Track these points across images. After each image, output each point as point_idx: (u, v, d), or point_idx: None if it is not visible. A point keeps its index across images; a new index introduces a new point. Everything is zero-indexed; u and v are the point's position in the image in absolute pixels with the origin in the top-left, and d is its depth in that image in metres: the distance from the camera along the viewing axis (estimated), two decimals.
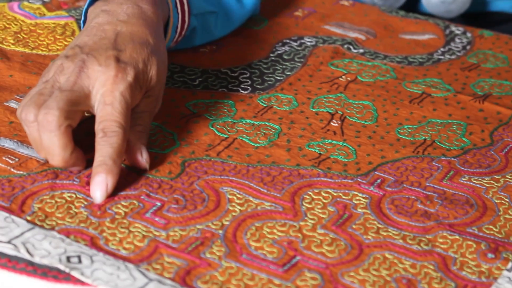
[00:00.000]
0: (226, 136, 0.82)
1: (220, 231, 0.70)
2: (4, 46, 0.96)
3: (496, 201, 0.75)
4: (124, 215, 0.71)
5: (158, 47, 0.81)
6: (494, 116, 0.89)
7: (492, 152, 0.82)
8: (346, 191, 0.75)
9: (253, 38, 1.03)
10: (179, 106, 0.87)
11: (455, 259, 0.68)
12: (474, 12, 1.22)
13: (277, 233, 0.70)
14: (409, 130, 0.85)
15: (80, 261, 0.65)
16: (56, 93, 0.73)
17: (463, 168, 0.79)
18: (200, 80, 0.92)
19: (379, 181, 0.77)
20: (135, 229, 0.69)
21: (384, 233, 0.70)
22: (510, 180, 0.78)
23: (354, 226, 0.71)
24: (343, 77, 0.95)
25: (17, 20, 1.01)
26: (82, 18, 0.87)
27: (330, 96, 0.91)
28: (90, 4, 0.84)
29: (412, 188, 0.76)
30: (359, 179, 0.77)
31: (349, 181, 0.77)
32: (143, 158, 0.76)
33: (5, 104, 0.85)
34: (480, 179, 0.78)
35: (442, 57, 1.01)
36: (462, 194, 0.76)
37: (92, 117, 0.76)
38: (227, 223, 0.71)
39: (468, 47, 1.04)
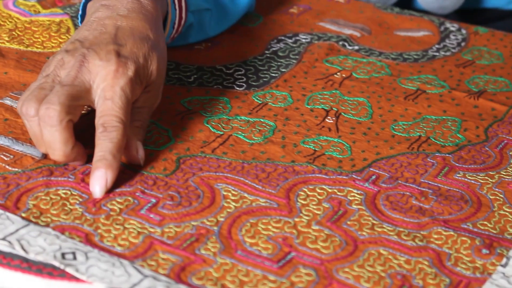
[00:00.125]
0: (221, 132, 0.82)
1: (215, 228, 0.70)
2: None
3: (491, 197, 0.75)
4: (119, 211, 0.71)
5: (158, 42, 0.81)
6: (488, 112, 0.89)
7: (487, 148, 0.82)
8: (341, 188, 0.75)
9: (248, 35, 1.03)
10: (174, 103, 0.87)
11: (450, 255, 0.68)
12: (469, 9, 1.22)
13: (272, 230, 0.70)
14: (404, 127, 0.85)
15: (75, 258, 0.65)
16: (57, 88, 0.73)
17: (457, 164, 0.80)
18: (195, 77, 0.92)
19: (374, 177, 0.77)
20: (130, 226, 0.69)
21: (379, 229, 0.71)
22: (505, 176, 0.78)
23: (349, 222, 0.71)
24: (338, 73, 0.95)
25: (12, 17, 1.01)
26: (80, 12, 0.86)
27: (325, 92, 0.91)
28: None
29: (407, 184, 0.76)
30: (354, 176, 0.77)
31: (344, 177, 0.77)
32: (138, 154, 0.76)
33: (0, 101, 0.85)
34: (474, 175, 0.78)
35: (437, 53, 1.01)
36: (457, 190, 0.76)
37: (93, 112, 0.76)
38: (222, 219, 0.71)
39: (463, 44, 1.04)
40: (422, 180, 0.77)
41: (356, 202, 0.74)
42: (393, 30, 1.07)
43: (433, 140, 0.83)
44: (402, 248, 0.69)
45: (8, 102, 0.85)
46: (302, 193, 0.74)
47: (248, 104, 0.88)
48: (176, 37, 0.94)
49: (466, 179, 0.77)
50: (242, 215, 0.71)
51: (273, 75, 0.94)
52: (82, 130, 0.75)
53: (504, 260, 0.68)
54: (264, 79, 0.93)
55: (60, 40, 0.97)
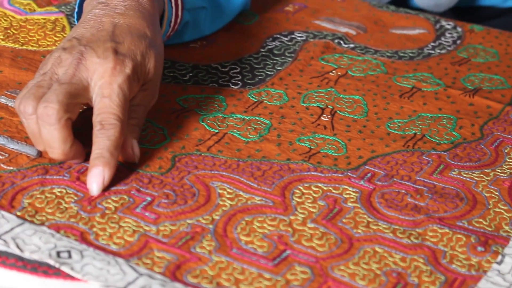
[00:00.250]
0: (217, 131, 0.82)
1: (211, 226, 0.70)
2: None
3: (486, 194, 0.76)
4: (114, 210, 0.71)
5: (155, 40, 0.80)
6: (484, 110, 0.89)
7: (482, 146, 0.82)
8: (337, 185, 0.75)
9: (244, 33, 1.03)
10: (170, 101, 0.87)
11: (445, 253, 0.68)
12: (465, 7, 1.22)
13: (267, 228, 0.70)
14: (399, 125, 0.85)
15: (70, 256, 0.65)
16: (55, 86, 0.73)
17: (453, 162, 0.80)
18: (191, 75, 0.92)
19: (369, 175, 0.77)
20: (125, 224, 0.69)
21: (374, 227, 0.71)
22: (500, 174, 0.78)
23: (344, 220, 0.71)
24: (333, 71, 0.95)
25: (7, 15, 1.01)
26: (76, 10, 0.86)
27: (320, 90, 0.91)
28: None
29: (402, 182, 0.76)
30: (349, 173, 0.77)
31: (339, 175, 0.77)
32: (133, 152, 0.75)
33: None
34: (470, 173, 0.78)
35: (432, 51, 1.01)
36: (452, 187, 0.76)
37: (89, 109, 0.76)
38: (217, 217, 0.71)
39: (458, 42, 1.04)
40: (418, 178, 0.77)
41: (352, 200, 0.74)
42: (388, 28, 1.07)
43: (428, 138, 0.83)
44: (398, 246, 0.69)
45: (3, 100, 0.85)
46: (298, 191, 0.74)
47: (244, 102, 0.88)
48: (171, 35, 0.94)
49: (461, 177, 0.78)
50: (238, 213, 0.71)
51: (269, 73, 0.94)
52: (78, 128, 0.75)
53: (499, 257, 0.68)
54: (260, 77, 0.93)
55: (55, 38, 0.97)
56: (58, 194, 0.72)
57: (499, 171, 0.79)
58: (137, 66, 0.76)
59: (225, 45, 1.00)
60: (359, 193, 0.74)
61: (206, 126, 0.83)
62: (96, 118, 0.73)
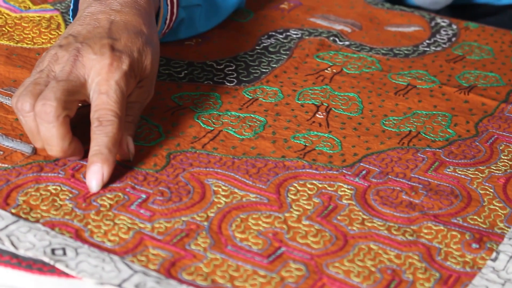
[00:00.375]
0: (212, 128, 0.82)
1: (205, 223, 0.70)
2: None
3: (481, 191, 0.76)
4: (109, 207, 0.71)
5: (152, 37, 0.80)
6: (479, 107, 0.89)
7: (477, 143, 0.83)
8: (331, 183, 0.75)
9: (239, 30, 1.03)
10: (165, 99, 0.87)
11: (440, 250, 0.68)
12: (460, 4, 1.22)
13: (262, 225, 0.70)
14: (394, 122, 0.85)
15: (65, 254, 0.65)
16: (52, 84, 0.73)
17: (448, 159, 0.80)
18: (186, 73, 0.92)
19: (364, 172, 0.77)
20: (120, 221, 0.69)
21: (369, 224, 0.71)
22: (495, 171, 0.78)
23: (339, 217, 0.71)
24: (328, 69, 0.95)
25: (2, 13, 1.01)
26: (72, 7, 0.86)
27: (315, 88, 0.91)
28: None
29: (397, 179, 0.76)
30: (344, 171, 0.77)
31: (334, 172, 0.77)
32: (128, 149, 0.75)
33: None
34: (465, 170, 0.78)
35: (427, 49, 1.01)
36: (447, 185, 0.76)
37: (86, 107, 0.76)
38: (212, 214, 0.71)
39: (453, 39, 1.04)
40: (413, 175, 0.77)
41: (347, 197, 0.74)
42: (383, 25, 1.07)
43: (423, 135, 0.83)
44: (392, 243, 0.69)
45: None
46: (293, 188, 0.74)
47: (239, 99, 0.88)
48: (167, 32, 0.94)
49: (456, 174, 0.78)
50: (233, 210, 0.71)
51: (264, 70, 0.94)
52: (74, 126, 0.75)
53: (494, 254, 0.68)
54: (255, 75, 0.93)
55: (50, 36, 0.97)
56: (53, 191, 0.72)
57: (493, 168, 0.79)
58: (134, 63, 0.76)
59: (220, 43, 1.00)
60: (354, 190, 0.75)
61: (201, 124, 0.83)
62: (93, 115, 0.73)
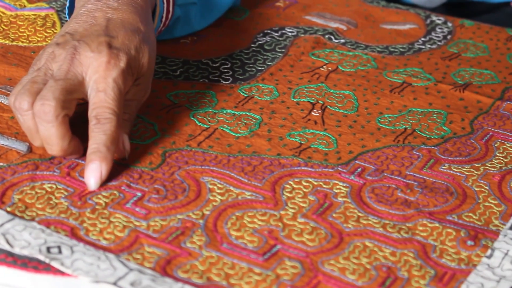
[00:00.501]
0: (207, 126, 0.82)
1: (201, 221, 0.70)
2: None
3: (476, 189, 0.76)
4: (105, 205, 0.71)
5: (149, 35, 0.80)
6: (474, 105, 0.89)
7: (472, 141, 0.83)
8: (327, 180, 0.75)
9: (234, 28, 1.03)
10: (160, 97, 0.87)
11: (435, 247, 0.68)
12: (456, 2, 1.22)
13: (257, 223, 0.70)
14: (390, 119, 0.85)
15: (60, 252, 0.65)
16: (50, 83, 0.72)
17: (443, 157, 0.80)
18: (181, 71, 0.92)
19: (359, 170, 0.77)
20: (116, 220, 0.69)
21: (364, 222, 0.71)
22: (490, 168, 0.78)
23: (334, 215, 0.71)
24: (324, 67, 0.95)
25: None
26: (68, 5, 0.86)
27: (311, 86, 0.91)
28: None
29: (393, 176, 0.77)
30: (339, 168, 0.77)
31: (330, 170, 0.77)
32: (124, 147, 0.75)
33: None
34: (460, 167, 0.78)
35: (423, 46, 1.01)
36: (442, 182, 0.76)
37: (85, 104, 0.76)
38: (207, 212, 0.71)
39: (448, 37, 1.04)
40: (408, 173, 0.77)
41: (342, 194, 0.74)
42: (379, 23, 1.07)
43: (418, 132, 0.83)
44: (388, 240, 0.69)
45: None
46: (288, 186, 0.74)
47: (234, 97, 0.88)
48: (162, 30, 0.94)
49: (451, 171, 0.78)
50: (228, 208, 0.71)
51: (259, 68, 0.94)
52: (72, 124, 0.75)
53: (489, 251, 0.68)
54: (250, 73, 0.93)
55: (46, 34, 0.97)
56: (48, 189, 0.72)
57: (489, 165, 0.79)
58: (131, 60, 0.76)
59: (216, 41, 1.00)
60: (349, 188, 0.75)
61: (196, 122, 0.83)
62: (91, 113, 0.73)
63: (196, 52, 0.97)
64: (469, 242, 0.69)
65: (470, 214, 0.72)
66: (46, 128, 0.72)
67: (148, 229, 0.68)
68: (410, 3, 1.18)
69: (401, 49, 1.00)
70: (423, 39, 1.03)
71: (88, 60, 0.74)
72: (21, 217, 0.69)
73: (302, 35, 1.02)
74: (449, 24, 1.07)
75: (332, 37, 1.02)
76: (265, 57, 0.96)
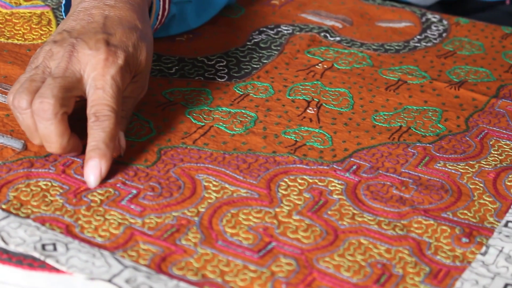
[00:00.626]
0: (203, 124, 0.82)
1: (196, 218, 0.70)
2: None
3: (471, 186, 0.76)
4: (100, 203, 0.71)
5: (146, 32, 0.80)
6: (469, 102, 0.89)
7: (467, 138, 0.83)
8: (322, 178, 0.76)
9: (230, 26, 1.03)
10: (156, 94, 0.87)
11: (430, 244, 0.68)
12: (451, 0, 1.22)
13: (252, 220, 0.70)
14: (385, 117, 0.86)
15: (55, 249, 0.65)
16: (49, 81, 0.72)
17: (438, 154, 0.80)
18: (177, 69, 0.92)
19: (354, 167, 0.77)
20: (111, 217, 0.69)
21: (359, 219, 0.71)
22: (485, 166, 0.79)
23: (329, 212, 0.71)
24: (319, 64, 0.95)
25: None
26: (64, 2, 0.86)
27: (306, 83, 0.91)
28: None
29: (388, 174, 0.77)
30: (335, 166, 0.77)
31: (325, 167, 0.77)
32: (119, 145, 0.75)
33: None
34: (455, 165, 0.78)
35: (418, 44, 1.01)
36: (437, 179, 0.76)
37: (80, 102, 0.76)
38: (203, 210, 0.71)
39: (444, 35, 1.04)
40: (403, 170, 0.77)
41: (337, 192, 0.74)
42: (374, 21, 1.07)
43: (414, 130, 0.84)
44: (383, 237, 0.69)
45: None
46: (283, 183, 0.74)
47: (230, 95, 0.88)
48: (158, 28, 0.94)
49: (446, 169, 0.78)
50: (223, 205, 0.71)
51: (255, 66, 0.94)
52: (79, 118, 0.75)
53: (484, 248, 0.68)
54: (246, 70, 0.93)
55: (41, 32, 0.97)
56: (44, 187, 0.72)
57: (484, 163, 0.79)
58: (129, 58, 0.76)
59: (211, 38, 1.00)
60: (344, 185, 0.75)
61: (192, 119, 0.83)
62: (90, 110, 0.73)
63: (191, 49, 0.97)
64: (464, 239, 0.69)
65: (465, 211, 0.73)
66: (45, 126, 0.72)
67: (143, 227, 0.68)
68: (406, 1, 1.18)
69: (396, 47, 1.00)
70: (418, 37, 1.03)
71: (86, 57, 0.74)
72: (16, 215, 0.69)
73: (298, 33, 1.02)
74: (445, 22, 1.07)
75: (328, 35, 1.02)
76: (260, 55, 0.96)
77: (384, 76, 0.93)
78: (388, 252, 0.67)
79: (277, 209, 0.71)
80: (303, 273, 0.65)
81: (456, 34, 1.04)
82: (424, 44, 1.01)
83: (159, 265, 0.65)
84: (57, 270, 0.64)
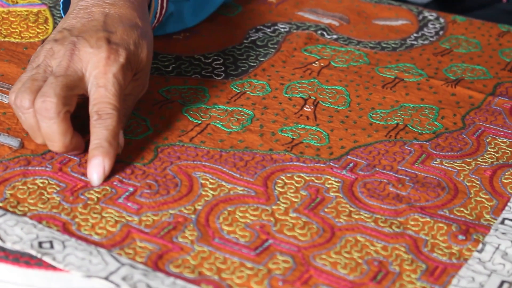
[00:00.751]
0: (199, 121, 0.82)
1: (193, 216, 0.70)
2: None
3: (467, 183, 0.76)
4: (97, 200, 0.71)
5: (146, 30, 0.80)
6: (466, 100, 0.89)
7: (464, 136, 0.83)
8: (319, 175, 0.76)
9: (227, 24, 1.03)
10: (152, 92, 0.87)
11: (426, 241, 0.69)
12: None
13: (249, 217, 0.70)
14: (382, 115, 0.86)
15: (52, 247, 0.65)
16: (51, 79, 0.72)
17: (435, 152, 0.80)
18: (174, 67, 0.92)
19: (351, 165, 0.77)
20: (108, 215, 0.69)
21: (356, 216, 0.71)
22: (481, 163, 0.79)
23: (326, 210, 0.71)
24: (316, 62, 0.95)
25: None
26: (62, 0, 0.86)
27: (303, 81, 0.91)
28: None
29: (384, 171, 0.77)
30: (331, 163, 0.77)
31: (322, 165, 0.77)
32: (118, 142, 0.75)
33: None
34: (451, 162, 0.79)
35: (415, 42, 1.01)
36: (434, 177, 0.76)
37: (82, 99, 0.76)
38: (199, 207, 0.71)
39: (441, 33, 1.04)
40: (400, 168, 0.77)
41: (334, 189, 0.74)
42: (371, 19, 1.07)
43: (410, 128, 0.84)
44: (379, 235, 0.69)
45: None
46: (280, 181, 0.75)
47: (227, 93, 0.88)
48: (156, 26, 0.94)
49: (443, 166, 0.78)
50: (220, 203, 0.71)
51: (252, 64, 0.94)
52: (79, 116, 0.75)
53: (480, 246, 0.68)
54: (243, 69, 0.93)
55: (38, 30, 0.97)
56: (40, 185, 0.72)
57: (480, 160, 0.79)
58: (130, 56, 0.76)
59: (208, 37, 1.00)
60: (341, 183, 0.75)
61: (189, 117, 0.83)
62: (92, 108, 0.73)
63: (188, 48, 0.97)
64: (460, 237, 0.69)
65: (462, 209, 0.73)
66: (48, 125, 0.72)
67: (140, 224, 0.68)
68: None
69: (393, 45, 1.00)
70: (415, 35, 1.03)
71: (87, 55, 0.74)
72: (13, 212, 0.69)
73: (295, 31, 1.02)
74: (441, 20, 1.07)
75: (325, 33, 1.02)
76: (257, 53, 0.96)
77: (381, 74, 0.93)
78: (384, 249, 0.67)
79: (274, 207, 0.71)
80: (299, 271, 0.65)
81: (453, 32, 1.04)
82: (421, 42, 1.02)
83: (156, 263, 0.65)
84: (54, 268, 0.64)
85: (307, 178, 0.75)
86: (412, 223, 0.70)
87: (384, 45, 1.00)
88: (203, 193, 0.72)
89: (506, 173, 0.77)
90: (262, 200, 0.72)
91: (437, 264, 0.66)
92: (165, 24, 0.97)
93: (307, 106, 0.86)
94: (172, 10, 0.95)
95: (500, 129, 0.84)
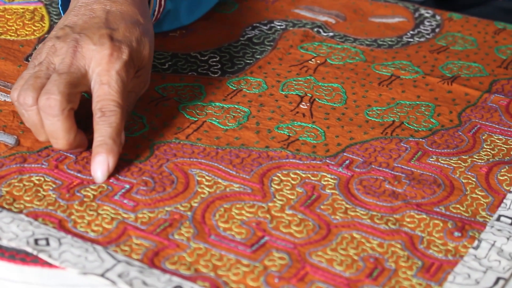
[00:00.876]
0: (196, 119, 0.82)
1: (189, 213, 0.70)
2: None
3: (463, 180, 0.76)
4: (93, 198, 0.71)
5: (148, 27, 0.80)
6: (462, 97, 0.89)
7: (460, 133, 0.83)
8: (315, 172, 0.76)
9: (223, 22, 1.03)
10: (149, 90, 0.86)
11: (422, 238, 0.69)
12: None
13: (245, 214, 0.70)
14: (378, 112, 0.86)
15: (48, 244, 0.65)
16: (54, 77, 0.72)
17: (431, 149, 0.80)
18: (170, 64, 0.92)
19: (347, 162, 0.77)
20: (104, 212, 0.69)
21: (352, 213, 0.71)
22: (477, 160, 0.79)
23: (322, 207, 0.72)
24: (312, 60, 0.95)
25: None
26: None
27: (299, 79, 0.91)
28: None
29: (380, 168, 0.77)
30: (327, 160, 0.77)
31: (318, 162, 0.77)
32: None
33: None
34: (447, 159, 0.79)
35: (411, 39, 1.01)
36: (430, 174, 0.76)
37: (82, 97, 0.76)
38: (195, 204, 0.71)
39: (437, 30, 1.04)
40: (396, 165, 0.77)
41: (330, 186, 0.74)
42: (367, 16, 1.07)
43: (406, 125, 0.84)
44: (375, 232, 0.69)
45: None
46: (276, 178, 0.75)
47: (223, 90, 0.88)
48: (153, 24, 0.94)
49: (439, 163, 0.78)
50: (216, 200, 0.71)
51: (248, 61, 0.94)
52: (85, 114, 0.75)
53: (476, 242, 0.69)
54: (239, 66, 0.93)
55: (34, 28, 0.97)
56: (36, 182, 0.72)
57: (476, 157, 0.79)
58: (133, 53, 0.76)
59: (205, 34, 1.00)
60: (337, 180, 0.75)
61: (185, 114, 0.83)
62: (96, 106, 0.73)
63: (184, 45, 0.97)
64: (456, 233, 0.69)
65: (458, 206, 0.73)
66: (52, 123, 0.72)
67: (136, 221, 0.68)
68: None
69: (389, 42, 1.00)
70: (411, 32, 1.03)
71: (90, 52, 0.74)
72: (9, 210, 0.69)
73: (291, 28, 1.02)
74: (438, 17, 1.07)
75: (321, 30, 1.02)
76: (253, 50, 0.96)
77: (377, 71, 0.93)
78: (380, 246, 0.68)
79: (270, 204, 0.71)
80: (295, 267, 0.65)
81: (449, 30, 1.04)
82: (417, 39, 1.02)
83: (152, 260, 0.65)
84: (50, 265, 0.64)
85: (303, 175, 0.75)
86: (408, 220, 0.70)
87: (381, 43, 1.00)
88: (199, 190, 0.72)
89: (502, 170, 0.77)
90: (258, 197, 0.72)
91: (433, 260, 0.67)
92: (162, 21, 0.97)
93: (303, 103, 0.86)
94: (169, 7, 0.95)
95: (496, 126, 0.84)
